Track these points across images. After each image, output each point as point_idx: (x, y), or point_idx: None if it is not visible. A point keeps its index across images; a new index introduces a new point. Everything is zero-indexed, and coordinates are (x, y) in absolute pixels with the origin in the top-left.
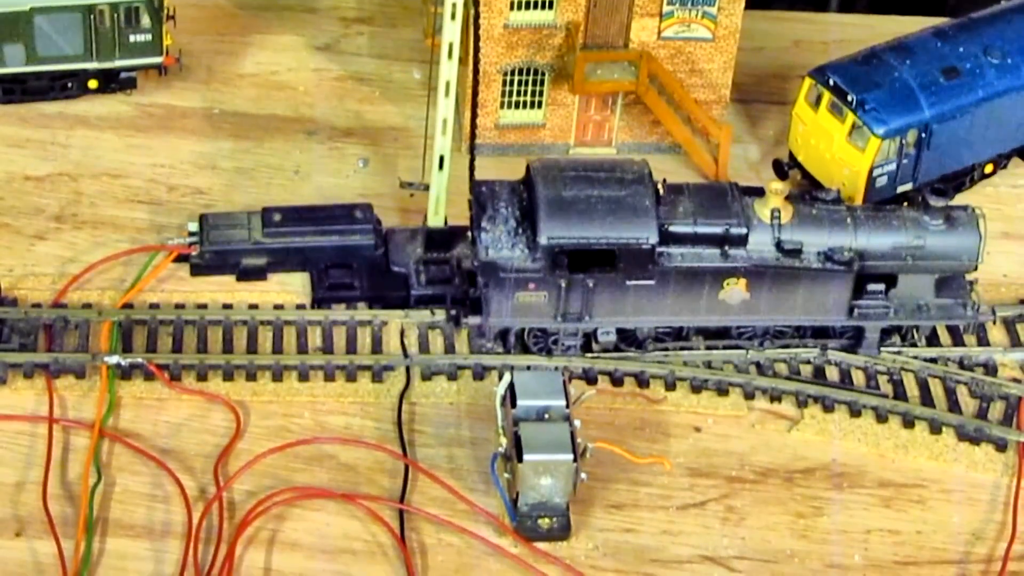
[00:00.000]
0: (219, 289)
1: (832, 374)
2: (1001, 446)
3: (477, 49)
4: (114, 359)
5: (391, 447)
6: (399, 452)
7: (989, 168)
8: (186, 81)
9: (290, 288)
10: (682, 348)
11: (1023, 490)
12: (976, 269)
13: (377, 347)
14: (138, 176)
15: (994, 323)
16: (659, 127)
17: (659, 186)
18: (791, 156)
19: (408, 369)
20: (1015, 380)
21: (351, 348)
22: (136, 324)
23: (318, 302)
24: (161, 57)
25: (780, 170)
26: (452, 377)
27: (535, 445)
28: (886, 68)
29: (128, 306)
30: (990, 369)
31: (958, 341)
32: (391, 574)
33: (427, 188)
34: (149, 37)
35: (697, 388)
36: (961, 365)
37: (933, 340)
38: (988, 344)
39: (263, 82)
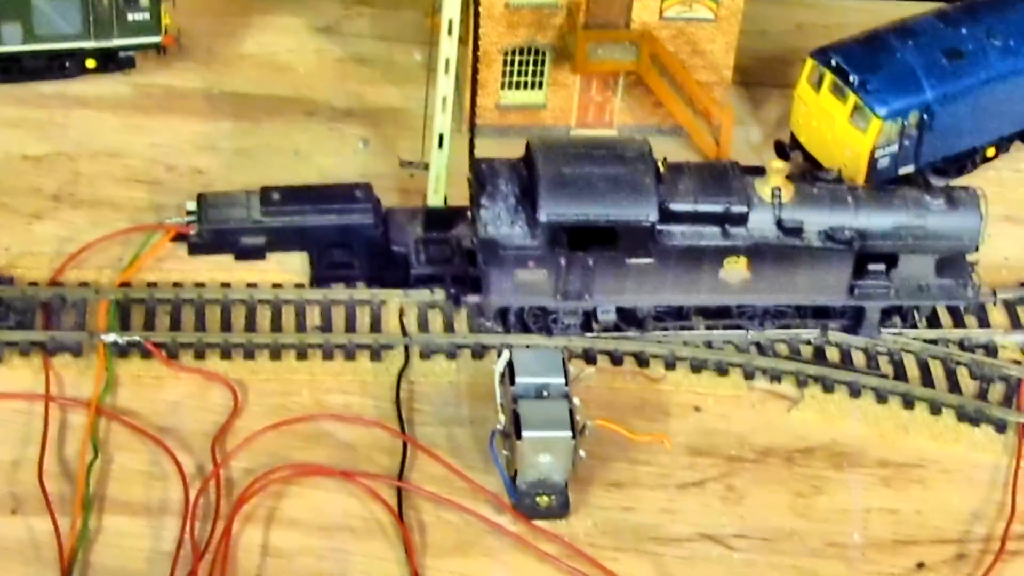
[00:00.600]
0: (217, 268)
1: (832, 354)
2: (1001, 427)
3: (477, 27)
4: (111, 337)
5: (390, 425)
6: (398, 430)
7: (991, 152)
8: (185, 61)
9: (289, 267)
10: (682, 328)
11: (1022, 470)
12: (977, 250)
13: (376, 326)
14: (136, 156)
15: (995, 305)
16: (661, 108)
17: (660, 164)
18: (793, 138)
19: (407, 348)
20: (1015, 362)
21: (350, 327)
22: (134, 303)
23: (317, 281)
24: (160, 37)
25: (782, 151)
26: (451, 356)
27: (534, 423)
28: (889, 50)
29: (126, 285)
30: (990, 351)
31: (959, 322)
32: (389, 551)
33: (427, 167)
34: (148, 16)
35: (697, 368)
36: (961, 346)
37: (934, 321)
38: (988, 326)
39: (263, 63)
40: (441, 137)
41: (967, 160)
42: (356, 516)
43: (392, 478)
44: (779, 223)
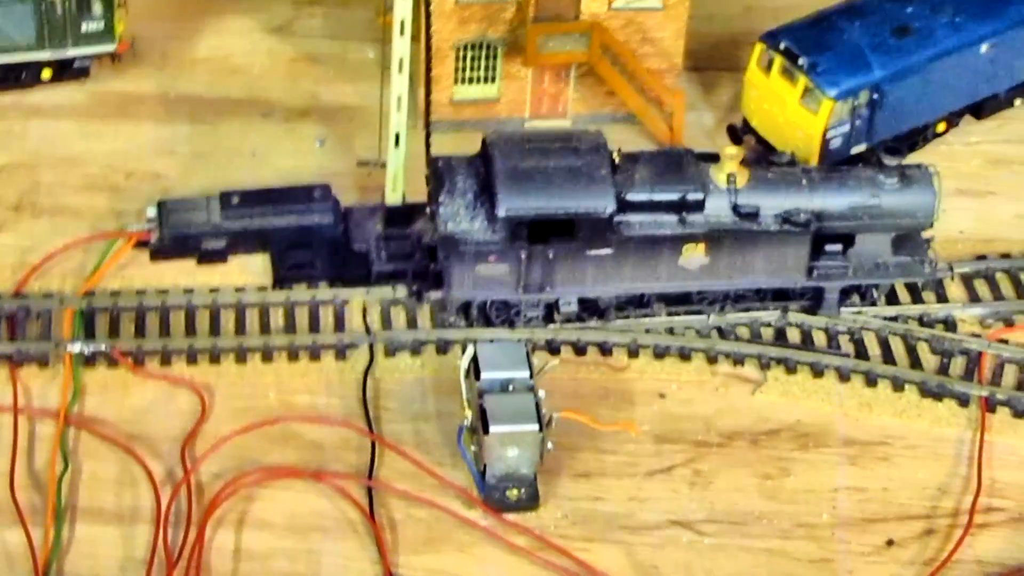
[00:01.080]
0: (180, 273)
1: (794, 336)
2: (964, 401)
3: (429, 26)
4: (77, 346)
5: (357, 424)
6: (365, 428)
7: (942, 127)
8: (140, 67)
9: (251, 270)
10: (644, 315)
11: (987, 444)
12: (932, 226)
13: (340, 325)
14: (95, 163)
15: (952, 279)
16: (613, 97)
17: (615, 155)
18: (745, 122)
19: (371, 346)
20: (974, 335)
21: (314, 327)
22: (98, 311)
23: (279, 283)
24: (114, 45)
25: (734, 135)
26: (416, 352)
27: (501, 416)
28: (837, 30)
29: (90, 293)
30: (949, 325)
31: (917, 298)
32: (362, 550)
33: (384, 166)
34: (101, 25)
35: (660, 354)
36: (921, 322)
37: (892, 298)
38: (947, 300)
39: (218, 66)
40: (397, 136)
41: (918, 136)
42: (327, 516)
43: (362, 477)
44: (735, 208)
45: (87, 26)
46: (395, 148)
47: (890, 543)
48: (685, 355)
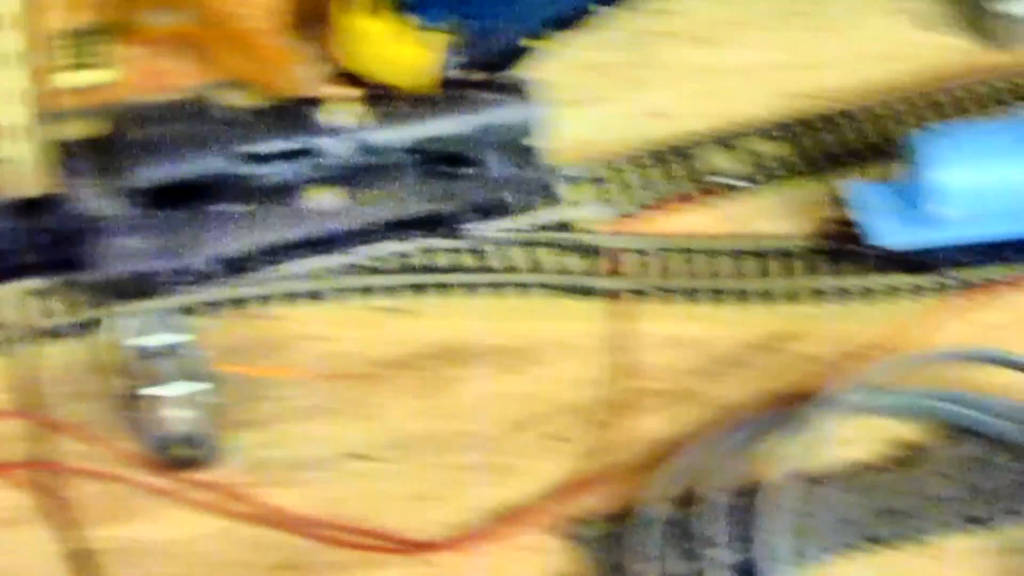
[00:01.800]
0: None
1: (435, 260)
2: (603, 295)
3: (35, 15)
4: None
5: (26, 412)
6: (35, 416)
7: (536, 42)
8: None
9: None
10: (287, 262)
11: (631, 332)
12: (543, 137)
13: None
14: None
15: (569, 184)
16: (227, 64)
17: (234, 112)
18: (351, 68)
19: (25, 338)
20: (598, 233)
21: None
22: None
23: None
24: None
25: (348, 80)
26: (69, 335)
27: (163, 380)
28: None
29: None
30: (573, 227)
31: (541, 206)
32: (53, 532)
33: (9, 162)
34: None
35: (310, 298)
36: (550, 228)
37: (519, 210)
38: (567, 204)
39: None
40: (18, 129)
41: (516, 54)
42: (15, 507)
43: (40, 463)
44: (360, 146)
45: None
46: (17, 142)
47: (561, 439)
48: (333, 296)
